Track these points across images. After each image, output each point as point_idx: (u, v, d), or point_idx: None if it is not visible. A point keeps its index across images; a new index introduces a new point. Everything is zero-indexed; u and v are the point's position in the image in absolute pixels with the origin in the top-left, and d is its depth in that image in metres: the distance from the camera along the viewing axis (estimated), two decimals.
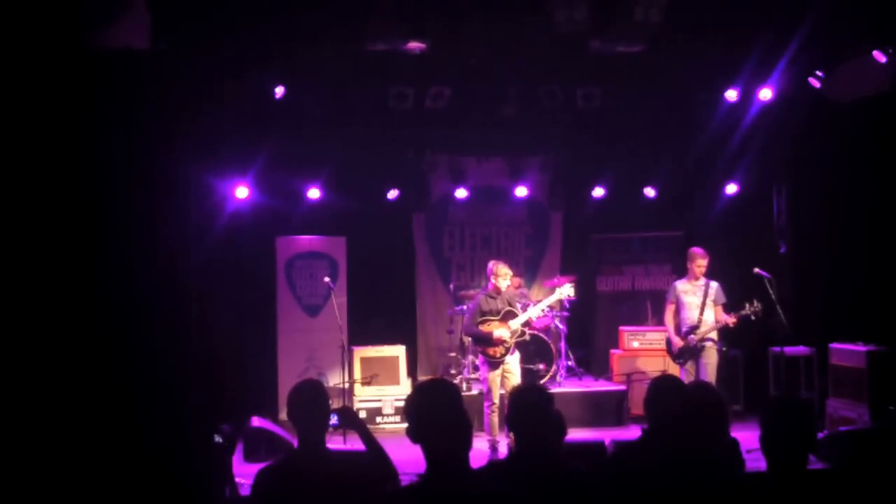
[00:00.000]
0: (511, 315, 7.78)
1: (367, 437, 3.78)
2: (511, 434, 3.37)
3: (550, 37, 7.03)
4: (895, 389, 7.39)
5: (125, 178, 4.32)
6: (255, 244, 9.82)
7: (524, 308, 8.13)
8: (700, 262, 8.05)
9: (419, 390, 2.81)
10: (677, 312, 8.16)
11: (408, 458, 7.20)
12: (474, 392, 9.20)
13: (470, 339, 7.98)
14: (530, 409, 3.29)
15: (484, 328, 7.71)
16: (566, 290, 8.33)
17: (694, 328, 7.95)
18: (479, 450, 7.90)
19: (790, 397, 4.19)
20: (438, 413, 2.67)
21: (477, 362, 9.01)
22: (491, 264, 7.97)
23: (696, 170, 10.09)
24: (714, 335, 7.95)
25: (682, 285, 8.18)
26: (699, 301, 7.99)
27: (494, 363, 7.68)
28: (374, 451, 3.74)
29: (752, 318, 7.80)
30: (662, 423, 3.68)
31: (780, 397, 3.94)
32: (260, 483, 3.47)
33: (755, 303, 7.76)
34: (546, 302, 8.32)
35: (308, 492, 3.39)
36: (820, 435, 7.39)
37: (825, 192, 8.98)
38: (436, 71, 8.42)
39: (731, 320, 7.85)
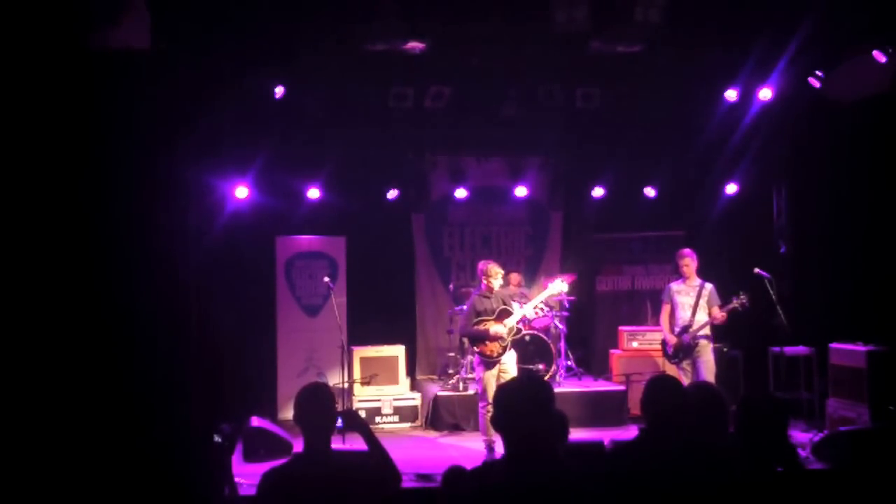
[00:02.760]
0: (506, 313, 7.78)
1: (371, 440, 3.79)
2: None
3: (550, 37, 7.03)
4: (895, 389, 7.39)
5: (125, 177, 4.32)
6: (255, 244, 9.82)
7: (520, 304, 8.14)
8: (685, 261, 8.15)
9: (513, 381, 3.01)
10: (672, 313, 8.21)
11: (407, 458, 7.22)
12: (471, 392, 9.20)
13: (468, 339, 7.97)
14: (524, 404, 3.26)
15: (480, 327, 7.71)
16: (558, 286, 8.28)
17: (687, 328, 8.00)
18: (476, 450, 7.92)
19: (765, 395, 4.16)
20: (521, 405, 2.79)
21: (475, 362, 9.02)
22: (482, 265, 7.95)
23: (696, 170, 10.09)
24: (707, 331, 7.98)
25: (676, 286, 8.25)
26: (692, 301, 8.04)
27: (491, 362, 7.67)
28: (378, 453, 3.74)
29: (740, 309, 7.84)
30: (659, 423, 3.68)
31: (753, 396, 3.90)
32: (265, 484, 3.49)
33: (741, 295, 7.80)
34: (539, 298, 8.25)
35: (313, 494, 3.40)
36: (820, 435, 7.41)
37: (825, 192, 8.99)
38: (436, 71, 8.42)
39: (719, 315, 7.88)
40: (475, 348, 7.73)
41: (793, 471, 3.00)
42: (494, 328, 7.65)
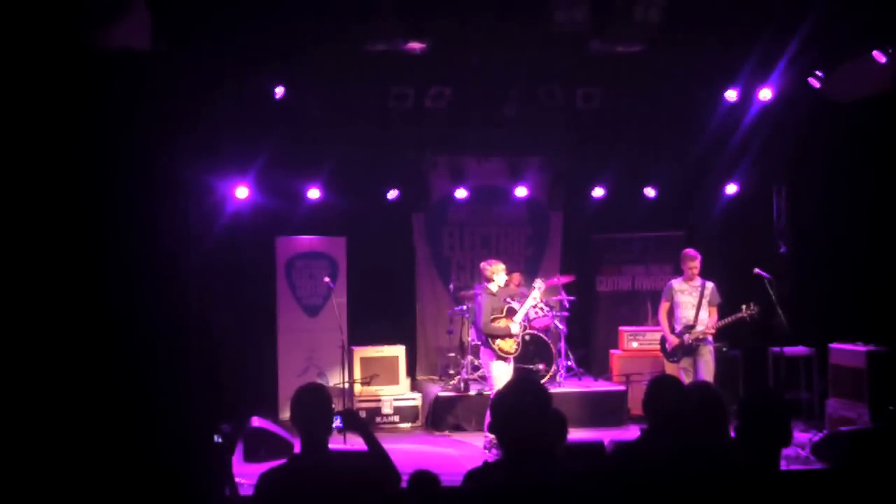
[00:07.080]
0: (513, 312, 7.85)
1: (371, 440, 3.79)
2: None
3: (550, 37, 7.03)
4: (895, 389, 7.40)
5: (125, 178, 4.31)
6: (256, 244, 9.82)
7: (520, 304, 8.18)
8: (691, 263, 8.16)
9: (509, 384, 2.95)
10: (672, 311, 8.23)
11: (407, 458, 7.21)
12: (472, 393, 9.20)
13: (488, 336, 7.86)
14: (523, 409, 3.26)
15: (500, 324, 7.77)
16: (538, 284, 8.24)
17: (689, 327, 8.01)
18: (477, 450, 7.93)
19: (767, 392, 4.16)
20: (517, 407, 2.76)
21: (477, 362, 9.02)
22: (486, 265, 7.93)
23: (696, 170, 10.10)
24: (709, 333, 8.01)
25: (678, 284, 8.26)
26: (695, 301, 8.06)
27: (507, 359, 7.75)
28: (377, 453, 3.74)
29: (748, 319, 7.87)
30: (661, 423, 3.68)
31: (757, 392, 3.89)
32: (262, 485, 3.48)
33: (752, 305, 7.82)
34: (526, 305, 8.18)
35: (311, 494, 3.40)
36: (820, 435, 7.41)
37: (825, 192, 8.99)
38: (436, 71, 8.42)
39: (711, 327, 7.99)
40: (494, 346, 7.73)
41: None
42: (513, 326, 7.73)
